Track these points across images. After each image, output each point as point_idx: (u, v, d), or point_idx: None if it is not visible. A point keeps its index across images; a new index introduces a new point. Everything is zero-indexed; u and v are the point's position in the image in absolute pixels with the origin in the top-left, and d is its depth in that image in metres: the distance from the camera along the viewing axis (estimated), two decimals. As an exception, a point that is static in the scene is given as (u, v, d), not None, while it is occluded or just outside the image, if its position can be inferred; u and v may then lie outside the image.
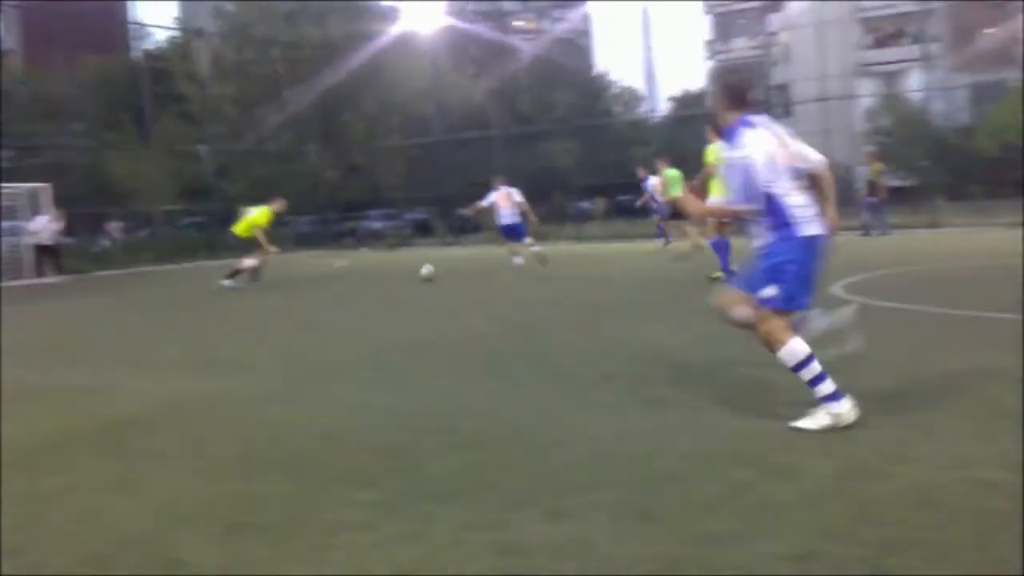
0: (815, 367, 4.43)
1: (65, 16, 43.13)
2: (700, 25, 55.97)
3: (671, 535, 3.22)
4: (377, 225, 33.71)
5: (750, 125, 4.53)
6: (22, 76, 39.66)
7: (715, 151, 10.15)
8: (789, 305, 4.50)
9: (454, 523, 3.46)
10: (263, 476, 4.24)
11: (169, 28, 43.24)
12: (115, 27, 47.78)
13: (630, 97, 54.45)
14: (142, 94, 30.70)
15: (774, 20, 47.74)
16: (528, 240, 16.21)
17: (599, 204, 16.50)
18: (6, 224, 22.05)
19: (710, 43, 53.85)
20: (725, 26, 53.17)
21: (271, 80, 34.96)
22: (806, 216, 4.47)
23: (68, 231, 24.51)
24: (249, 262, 15.92)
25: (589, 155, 34.60)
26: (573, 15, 68.13)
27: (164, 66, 35.14)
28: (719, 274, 11.73)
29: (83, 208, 31.35)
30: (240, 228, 15.88)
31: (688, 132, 37.54)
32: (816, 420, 4.40)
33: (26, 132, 34.04)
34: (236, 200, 31.72)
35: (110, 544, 3.43)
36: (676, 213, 16.79)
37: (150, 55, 36.58)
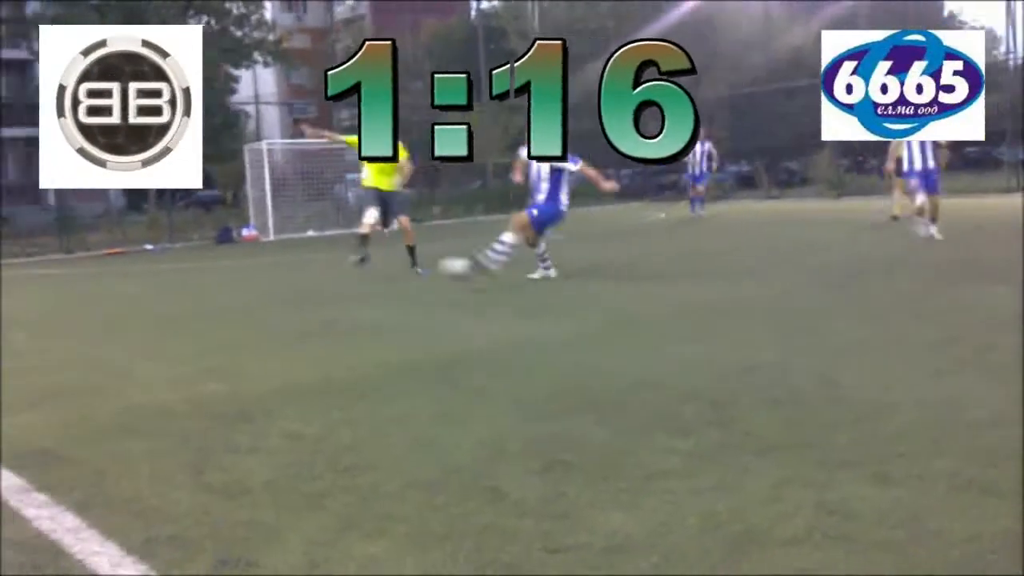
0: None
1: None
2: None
3: (1016, 513, 2.92)
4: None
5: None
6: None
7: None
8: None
9: (773, 478, 3.34)
10: (581, 418, 4.32)
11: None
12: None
13: (986, 40, 49.71)
14: (477, 52, 32.10)
15: None
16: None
17: (942, 155, 15.05)
18: (350, 176, 23.97)
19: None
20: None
21: (599, 36, 35.29)
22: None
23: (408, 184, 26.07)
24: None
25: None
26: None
27: (499, 24, 36.51)
28: None
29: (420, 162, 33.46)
30: None
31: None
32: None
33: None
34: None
35: (437, 471, 3.63)
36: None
37: (485, 15, 38.12)
